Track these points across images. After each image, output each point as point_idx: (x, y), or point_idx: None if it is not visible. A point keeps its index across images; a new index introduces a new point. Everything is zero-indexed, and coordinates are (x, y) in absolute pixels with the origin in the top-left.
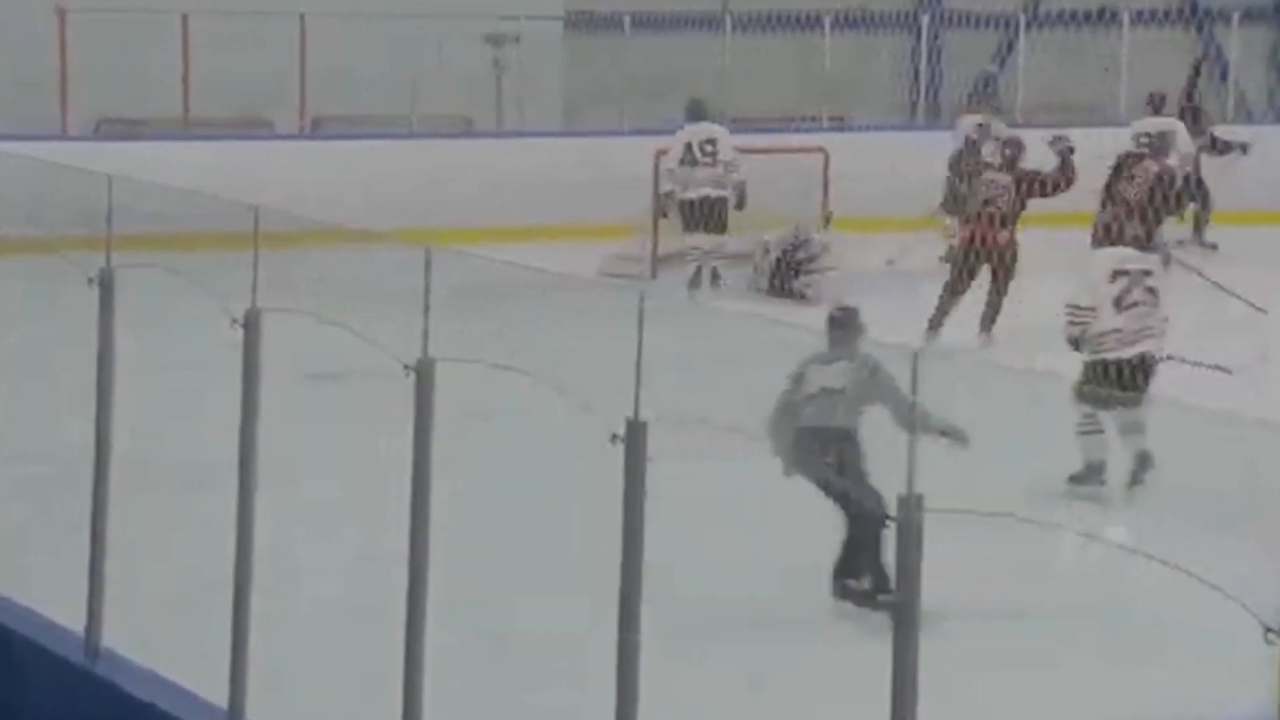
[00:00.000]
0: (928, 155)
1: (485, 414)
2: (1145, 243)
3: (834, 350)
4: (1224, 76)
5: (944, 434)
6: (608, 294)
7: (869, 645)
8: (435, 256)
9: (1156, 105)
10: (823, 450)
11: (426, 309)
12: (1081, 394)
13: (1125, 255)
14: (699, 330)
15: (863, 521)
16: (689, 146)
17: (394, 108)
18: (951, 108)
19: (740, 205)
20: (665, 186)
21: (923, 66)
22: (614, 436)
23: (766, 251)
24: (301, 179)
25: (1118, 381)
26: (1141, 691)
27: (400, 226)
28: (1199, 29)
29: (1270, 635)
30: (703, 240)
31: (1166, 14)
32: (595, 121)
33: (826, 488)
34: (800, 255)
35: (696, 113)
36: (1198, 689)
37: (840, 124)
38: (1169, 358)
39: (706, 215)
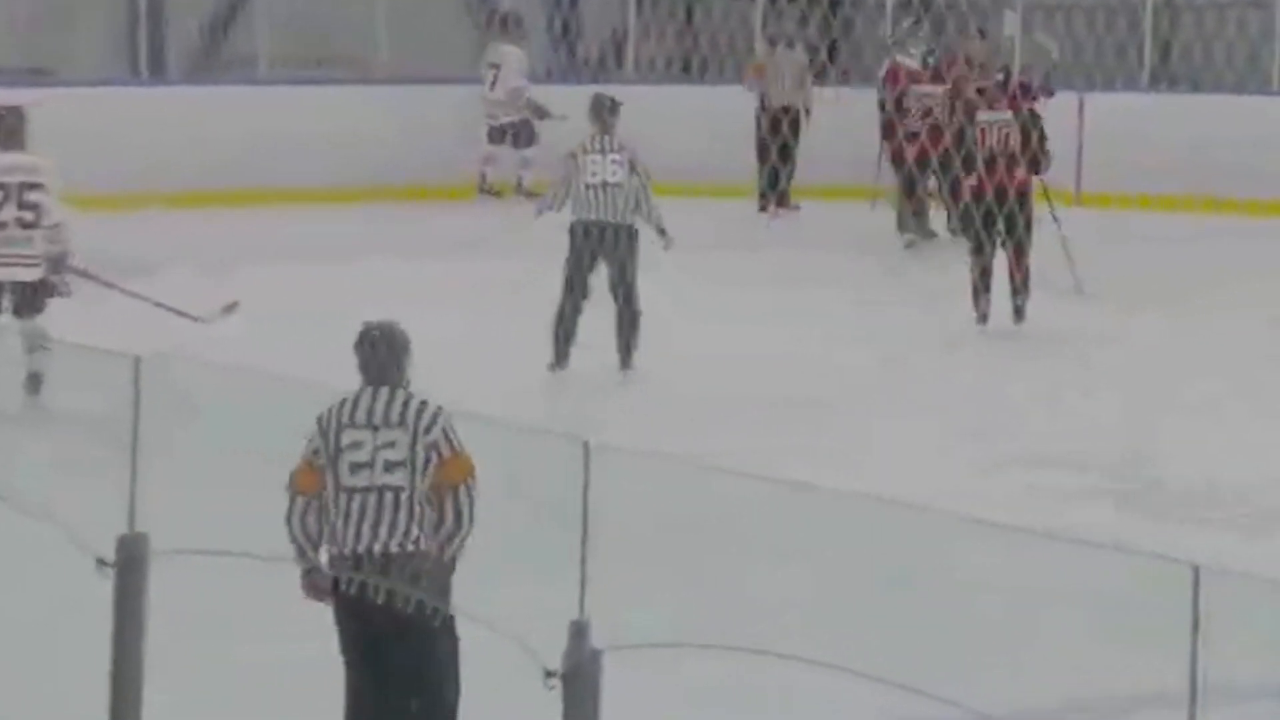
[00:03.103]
0: (151, 110)
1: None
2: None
3: (604, 139)
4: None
5: (662, 232)
6: None
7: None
8: None
9: (505, 26)
10: (600, 244)
11: None
12: None
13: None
14: None
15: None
16: None
17: None
18: (178, 60)
19: None
20: None
21: (143, 17)
22: None
23: None
24: None
25: None
26: None
27: None
28: None
29: (550, 681)
30: None
31: None
32: None
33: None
34: None
35: None
36: None
37: (45, 78)
38: (160, 305)
39: None
